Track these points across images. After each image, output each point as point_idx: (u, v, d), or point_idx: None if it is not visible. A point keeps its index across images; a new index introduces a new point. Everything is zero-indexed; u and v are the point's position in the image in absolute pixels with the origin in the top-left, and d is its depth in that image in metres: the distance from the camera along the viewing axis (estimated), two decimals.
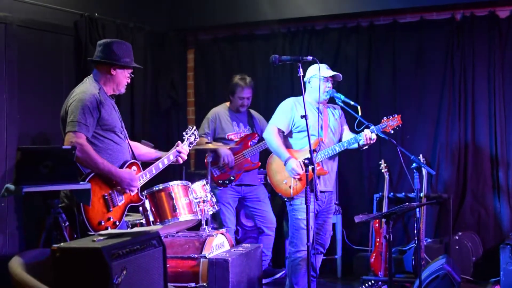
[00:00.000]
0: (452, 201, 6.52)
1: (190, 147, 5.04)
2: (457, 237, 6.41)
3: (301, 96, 4.82)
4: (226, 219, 6.35)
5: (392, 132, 5.28)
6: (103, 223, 4.25)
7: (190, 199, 5.00)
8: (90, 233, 4.09)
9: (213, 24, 7.60)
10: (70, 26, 6.21)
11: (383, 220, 6.01)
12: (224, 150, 6.26)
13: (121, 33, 6.74)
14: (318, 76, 5.16)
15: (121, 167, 4.46)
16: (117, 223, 4.37)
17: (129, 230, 4.25)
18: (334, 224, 6.49)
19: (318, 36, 7.25)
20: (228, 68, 7.71)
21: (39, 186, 3.81)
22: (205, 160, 6.12)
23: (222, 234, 5.36)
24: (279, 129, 5.33)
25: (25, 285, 3.20)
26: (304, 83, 5.33)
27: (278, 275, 6.51)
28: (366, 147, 5.28)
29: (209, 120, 6.50)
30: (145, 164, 4.73)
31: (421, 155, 6.24)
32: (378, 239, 6.33)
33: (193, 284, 4.92)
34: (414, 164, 5.41)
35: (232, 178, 6.31)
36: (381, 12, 6.89)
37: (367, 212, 6.74)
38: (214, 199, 5.34)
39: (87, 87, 4.41)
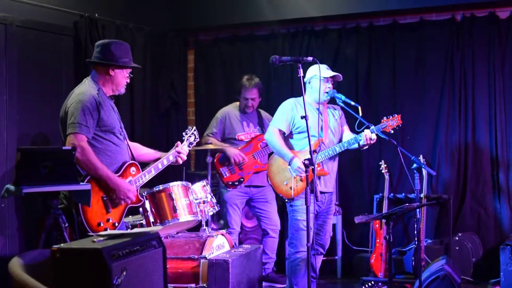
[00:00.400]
0: (452, 201, 6.51)
1: (189, 147, 5.04)
2: (457, 238, 6.41)
3: (301, 97, 4.81)
4: (232, 221, 6.33)
5: (392, 132, 5.28)
6: (102, 224, 4.25)
7: (191, 199, 4.99)
8: (89, 233, 4.09)
9: (213, 24, 7.60)
10: (70, 27, 6.21)
11: (383, 220, 6.00)
12: (232, 150, 6.24)
13: (121, 33, 6.74)
14: (318, 77, 5.16)
15: (120, 168, 4.45)
16: (116, 224, 4.37)
17: (129, 231, 4.25)
18: (334, 225, 6.48)
19: (317, 36, 7.24)
20: (228, 69, 7.72)
21: (39, 187, 3.81)
22: (209, 160, 6.10)
23: (222, 235, 5.36)
24: (279, 130, 5.32)
25: (25, 286, 3.20)
26: (304, 83, 5.33)
27: (279, 286, 6.42)
28: (367, 147, 5.28)
29: (218, 120, 6.47)
30: (144, 165, 4.73)
31: (421, 156, 6.23)
32: (378, 240, 6.33)
33: (193, 285, 4.91)
34: (414, 165, 5.41)
35: (242, 179, 6.28)
36: (381, 12, 6.89)
37: (367, 212, 6.74)
38: (214, 200, 5.33)
39: (86, 88, 4.40)
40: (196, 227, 5.34)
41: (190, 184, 5.11)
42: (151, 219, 4.78)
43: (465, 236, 6.44)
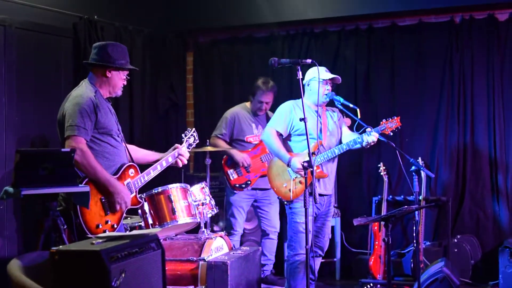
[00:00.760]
0: (451, 204, 6.51)
1: (189, 149, 5.03)
2: (456, 240, 6.41)
3: (300, 99, 4.81)
4: (236, 223, 6.32)
5: (391, 134, 5.28)
6: (100, 226, 4.24)
7: (189, 202, 4.99)
8: (88, 236, 4.09)
9: (212, 26, 7.61)
10: (69, 29, 6.21)
11: (382, 223, 6.02)
12: (239, 154, 6.23)
13: (120, 35, 6.74)
14: (317, 79, 5.15)
15: (119, 170, 4.45)
16: (115, 226, 4.36)
17: (128, 233, 4.25)
18: (333, 227, 6.48)
19: (317, 38, 7.25)
20: (227, 71, 7.73)
21: (38, 189, 3.80)
22: (208, 162, 6.09)
23: (221, 237, 5.36)
24: (277, 132, 5.31)
25: None
26: (303, 85, 5.33)
27: None
28: (369, 146, 5.25)
29: (228, 120, 6.39)
30: (143, 167, 4.72)
31: (420, 158, 6.24)
32: (377, 242, 6.33)
33: (192, 287, 4.91)
34: (413, 167, 5.41)
35: (248, 182, 6.26)
36: (380, 15, 6.90)
37: (366, 215, 6.75)
38: (213, 202, 5.33)
39: (83, 91, 4.40)
40: (194, 229, 5.34)
41: (189, 186, 5.11)
42: (150, 221, 4.78)
43: (464, 238, 6.44)
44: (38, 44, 5.90)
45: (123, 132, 4.67)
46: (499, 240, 6.39)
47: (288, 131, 5.31)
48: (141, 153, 4.90)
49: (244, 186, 6.26)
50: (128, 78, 4.66)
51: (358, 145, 5.22)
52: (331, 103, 5.38)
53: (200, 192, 5.25)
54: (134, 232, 4.10)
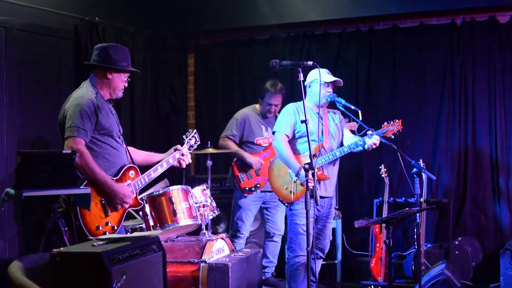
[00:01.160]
0: (452, 206, 6.51)
1: (190, 150, 5.03)
2: (457, 242, 6.40)
3: (301, 101, 4.81)
4: (243, 226, 6.31)
5: (393, 137, 5.27)
6: (101, 228, 4.24)
7: (190, 203, 4.99)
8: (88, 237, 4.09)
9: (213, 28, 7.61)
10: (70, 30, 6.22)
11: (383, 225, 6.01)
12: (252, 157, 6.22)
13: (121, 37, 6.74)
14: (318, 81, 5.16)
15: (119, 171, 4.45)
16: (116, 228, 4.36)
17: (129, 234, 4.25)
18: (334, 229, 6.48)
19: (318, 40, 7.25)
20: (228, 73, 7.73)
21: (39, 191, 3.80)
22: (209, 164, 6.08)
23: (222, 239, 5.35)
24: (286, 136, 5.29)
25: None
26: (305, 87, 5.32)
27: None
28: (371, 149, 5.23)
29: (238, 122, 6.37)
30: (144, 169, 4.72)
31: (421, 160, 6.24)
32: (378, 244, 6.33)
33: None
34: (414, 169, 5.40)
35: (258, 185, 6.24)
36: (381, 17, 6.90)
37: (367, 217, 6.74)
38: (214, 204, 5.33)
39: (84, 92, 4.40)
40: (196, 231, 5.34)
41: (190, 188, 5.11)
42: (151, 223, 4.78)
43: (465, 241, 6.44)
44: (39, 46, 5.90)
45: (124, 134, 4.67)
46: (500, 242, 6.39)
47: (293, 133, 5.30)
48: (141, 155, 4.89)
49: (253, 189, 6.25)
50: (129, 80, 4.66)
51: (360, 148, 5.22)
52: (332, 105, 5.37)
53: (201, 194, 5.25)
54: (135, 234, 4.10)
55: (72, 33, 6.23)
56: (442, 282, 5.36)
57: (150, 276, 3.56)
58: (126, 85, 4.62)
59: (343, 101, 5.23)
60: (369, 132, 5.13)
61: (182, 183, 5.91)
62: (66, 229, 4.05)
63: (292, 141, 5.34)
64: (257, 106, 6.49)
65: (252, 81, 7.45)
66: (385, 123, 5.29)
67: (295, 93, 6.96)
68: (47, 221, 3.97)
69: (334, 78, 5.27)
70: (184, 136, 5.07)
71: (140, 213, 4.77)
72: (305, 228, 4.49)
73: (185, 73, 7.95)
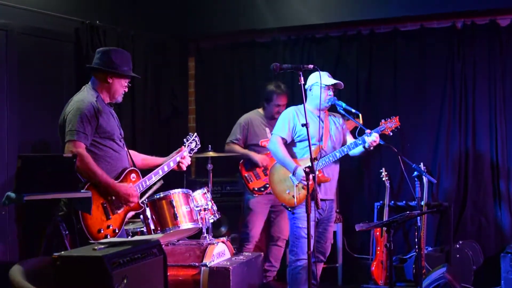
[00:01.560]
0: (452, 209, 6.50)
1: (190, 153, 5.04)
2: (457, 246, 6.40)
3: (302, 105, 4.80)
4: (254, 230, 6.28)
5: (391, 134, 5.27)
6: (102, 231, 4.24)
7: (191, 207, 4.99)
8: (90, 241, 4.08)
9: (214, 32, 7.61)
10: (71, 33, 6.21)
11: (384, 228, 6.00)
12: (257, 155, 6.24)
13: (122, 40, 6.74)
14: (319, 84, 5.16)
15: (120, 174, 4.45)
16: (117, 231, 4.35)
17: (130, 238, 4.25)
18: (334, 232, 6.47)
19: (318, 44, 7.26)
20: (228, 76, 7.73)
21: (40, 194, 3.80)
22: (210, 168, 6.07)
23: (223, 242, 5.35)
24: (282, 138, 5.31)
25: None
26: (305, 90, 5.33)
27: None
28: (372, 148, 5.23)
29: (241, 126, 6.41)
30: (144, 172, 4.72)
31: (422, 164, 6.23)
32: (379, 248, 6.32)
33: None
34: (415, 173, 5.41)
35: (267, 185, 6.19)
36: (382, 20, 6.90)
37: (368, 220, 6.73)
38: (215, 207, 5.32)
39: (84, 96, 4.40)
40: (196, 235, 5.34)
41: (190, 191, 5.11)
42: (152, 227, 4.78)
43: (465, 244, 6.43)
44: (40, 49, 5.89)
45: (125, 137, 4.67)
46: (501, 246, 6.39)
47: (291, 137, 5.31)
48: (142, 158, 4.90)
49: (262, 189, 6.25)
50: (130, 85, 4.66)
51: (360, 148, 5.22)
52: (333, 109, 5.37)
53: (202, 197, 5.25)
54: (136, 237, 4.09)
55: (72, 36, 6.22)
56: (443, 285, 5.36)
57: (151, 280, 3.56)
58: (126, 90, 4.62)
59: (343, 104, 5.24)
60: (368, 131, 5.14)
61: (183, 186, 5.92)
62: (67, 232, 4.05)
63: (292, 144, 5.34)
64: (260, 110, 6.51)
65: (252, 85, 7.44)
66: (383, 121, 5.33)
67: (295, 96, 6.97)
68: (47, 225, 3.97)
69: (335, 81, 5.28)
70: (184, 140, 5.07)
71: (141, 216, 4.77)
72: (306, 232, 4.48)
73: (186, 77, 7.95)
